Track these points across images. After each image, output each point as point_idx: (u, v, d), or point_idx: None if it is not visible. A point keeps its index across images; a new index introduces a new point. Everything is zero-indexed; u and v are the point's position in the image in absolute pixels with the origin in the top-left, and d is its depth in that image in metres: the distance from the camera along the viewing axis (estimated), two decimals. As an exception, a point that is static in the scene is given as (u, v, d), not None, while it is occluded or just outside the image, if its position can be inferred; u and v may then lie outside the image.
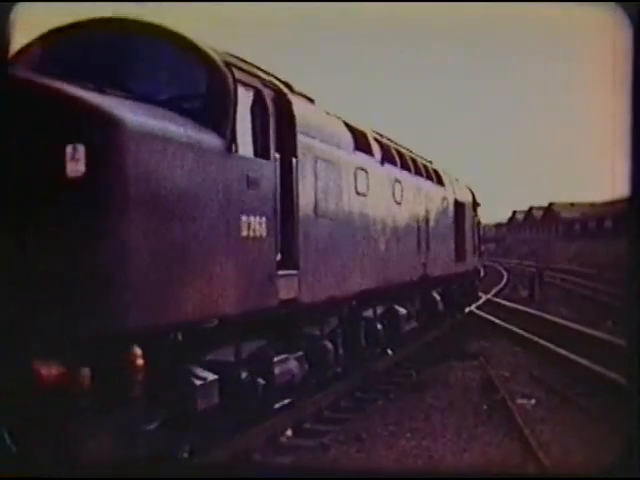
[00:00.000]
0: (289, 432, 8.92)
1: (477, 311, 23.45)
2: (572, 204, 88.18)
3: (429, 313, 16.46)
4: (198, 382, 6.57)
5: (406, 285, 13.59)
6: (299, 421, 9.27)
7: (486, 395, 11.11)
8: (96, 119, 5.52)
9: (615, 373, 11.75)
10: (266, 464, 7.83)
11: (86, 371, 5.38)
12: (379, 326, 12.36)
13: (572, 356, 13.68)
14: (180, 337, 6.30)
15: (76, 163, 5.32)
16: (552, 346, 15.09)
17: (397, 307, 13.41)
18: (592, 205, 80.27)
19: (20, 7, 4.83)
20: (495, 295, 30.03)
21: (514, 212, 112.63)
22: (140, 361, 5.67)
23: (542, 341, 15.91)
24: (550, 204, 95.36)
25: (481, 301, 25.88)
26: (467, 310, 22.72)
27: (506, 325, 19.44)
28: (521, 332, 17.73)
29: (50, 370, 5.23)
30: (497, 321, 20.56)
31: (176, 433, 6.60)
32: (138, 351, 5.66)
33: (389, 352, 13.93)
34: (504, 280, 39.92)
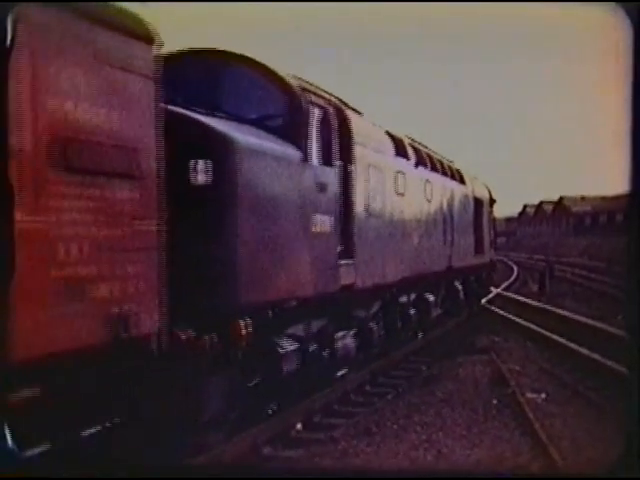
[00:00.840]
0: (299, 426, 8.94)
1: (488, 305, 23.44)
2: (583, 198, 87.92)
3: (452, 301, 17.79)
4: (282, 351, 8.22)
5: (434, 275, 15.11)
6: (309, 415, 9.29)
7: (496, 389, 11.10)
8: (218, 140, 7.17)
9: (625, 367, 11.74)
10: (274, 459, 7.86)
11: (207, 338, 6.80)
12: (412, 311, 13.87)
13: (583, 350, 13.66)
14: (270, 314, 7.93)
15: (205, 174, 7.01)
16: (563, 340, 15.08)
17: (427, 294, 14.92)
18: (603, 199, 80.00)
19: (20, 7, 4.82)
20: (505, 289, 29.98)
21: (524, 206, 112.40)
22: (244, 331, 7.22)
23: (553, 335, 15.89)
24: (561, 198, 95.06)
25: (491, 295, 25.86)
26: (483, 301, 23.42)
27: (517, 319, 19.43)
28: (532, 326, 17.72)
29: (185, 335, 6.53)
30: (508, 315, 20.56)
31: (266, 392, 8.25)
32: (242, 323, 7.21)
33: (419, 335, 15.53)
34: (514, 274, 39.84)
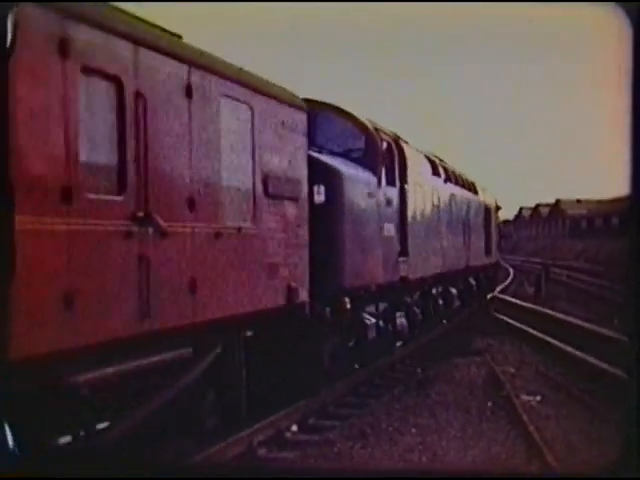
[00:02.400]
0: (294, 427, 8.95)
1: (490, 303, 23.51)
2: (579, 201, 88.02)
3: (467, 294, 20.73)
4: (368, 322, 11.42)
5: (456, 272, 18.33)
6: (304, 416, 9.29)
7: (491, 391, 11.11)
8: (329, 172, 10.20)
9: (620, 370, 11.76)
10: (270, 460, 7.86)
11: (328, 309, 10.06)
12: (440, 301, 17.06)
13: (578, 353, 13.68)
14: (360, 295, 11.09)
15: (320, 195, 9.74)
16: (558, 343, 15.10)
17: (450, 288, 18.06)
18: (599, 202, 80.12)
19: (20, 7, 4.83)
20: (502, 292, 29.98)
21: (521, 208, 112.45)
22: (348, 306, 10.43)
23: (548, 338, 15.92)
24: (557, 201, 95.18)
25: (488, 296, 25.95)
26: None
27: (512, 322, 19.46)
28: (527, 329, 17.75)
29: (319, 307, 9.80)
30: (504, 317, 20.59)
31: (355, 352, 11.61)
32: (347, 300, 10.41)
33: (444, 321, 18.52)
34: (510, 277, 39.85)
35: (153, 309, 6.10)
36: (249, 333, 8.24)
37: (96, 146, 5.67)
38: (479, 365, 13.44)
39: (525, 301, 25.18)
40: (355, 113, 12.31)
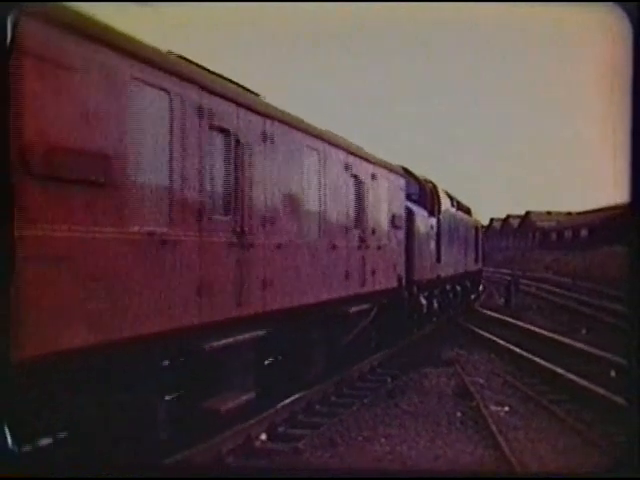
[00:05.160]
0: (263, 436, 8.90)
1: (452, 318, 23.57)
2: (549, 213, 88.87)
3: (464, 291, 27.06)
4: (423, 302, 17.99)
5: (459, 275, 24.76)
6: (273, 425, 9.25)
7: (461, 402, 11.16)
8: (409, 211, 16.62)
9: (587, 381, 11.87)
10: (240, 467, 7.81)
11: (406, 292, 16.17)
12: (451, 295, 23.88)
13: (547, 364, 13.79)
14: (420, 285, 17.45)
15: (403, 223, 15.96)
16: (527, 354, 15.22)
17: (456, 286, 24.84)
18: (568, 214, 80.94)
19: (20, 7, 4.82)
20: (472, 302, 30.11)
21: (491, 220, 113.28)
22: (415, 291, 16.95)
23: (517, 349, 16.04)
24: (527, 212, 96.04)
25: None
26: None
27: (482, 332, 19.57)
28: (496, 339, 17.86)
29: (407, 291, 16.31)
30: (474, 328, 20.70)
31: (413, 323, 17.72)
32: (415, 287, 16.88)
33: (451, 311, 23.94)
34: (480, 288, 40.04)
35: (245, 297, 8.34)
36: (384, 301, 14.72)
37: (215, 180, 7.75)
38: (449, 375, 13.50)
39: (495, 312, 25.37)
40: (412, 170, 18.69)
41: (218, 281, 7.65)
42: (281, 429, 9.40)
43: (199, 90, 7.36)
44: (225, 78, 8.33)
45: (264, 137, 8.90)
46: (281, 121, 9.43)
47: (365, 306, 13.08)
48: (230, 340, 8.01)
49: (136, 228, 6.30)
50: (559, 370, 13.05)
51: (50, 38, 5.36)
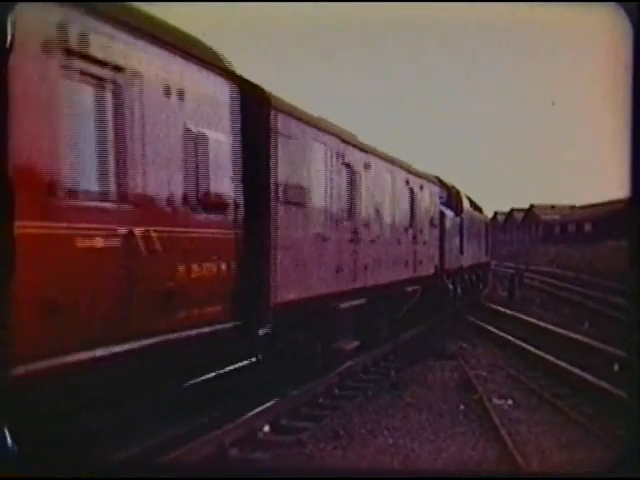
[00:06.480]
0: (266, 428, 8.92)
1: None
2: (553, 206, 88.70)
3: (477, 280, 29.66)
4: (450, 287, 21.35)
5: (475, 266, 27.76)
6: (276, 417, 9.27)
7: (464, 395, 11.17)
8: (442, 213, 20.52)
9: (590, 375, 11.86)
10: (243, 461, 7.83)
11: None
12: (468, 283, 26.39)
13: (550, 357, 13.79)
14: (448, 272, 21.25)
15: (438, 223, 19.81)
16: (530, 347, 15.21)
17: (472, 276, 27.54)
18: (572, 208, 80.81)
19: (20, 7, 4.82)
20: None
21: (495, 213, 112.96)
22: (444, 275, 20.56)
23: (520, 342, 16.03)
24: (531, 206, 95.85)
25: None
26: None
27: (486, 325, 19.58)
28: (500, 332, 17.86)
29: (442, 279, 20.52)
30: (476, 321, 20.71)
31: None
32: (445, 275, 20.62)
33: (469, 297, 27.01)
34: (489, 277, 39.95)
35: (356, 276, 12.59)
36: (426, 284, 17.98)
37: (344, 198, 12.00)
38: (452, 369, 13.51)
39: (500, 305, 25.38)
40: (441, 177, 21.99)
41: (346, 264, 11.87)
42: (284, 421, 9.41)
43: (338, 141, 11.62)
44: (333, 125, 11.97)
45: (366, 166, 12.98)
46: (374, 154, 13.61)
47: (415, 287, 16.97)
48: (350, 304, 12.05)
49: (312, 231, 10.39)
50: (562, 363, 13.05)
51: (284, 124, 9.36)
